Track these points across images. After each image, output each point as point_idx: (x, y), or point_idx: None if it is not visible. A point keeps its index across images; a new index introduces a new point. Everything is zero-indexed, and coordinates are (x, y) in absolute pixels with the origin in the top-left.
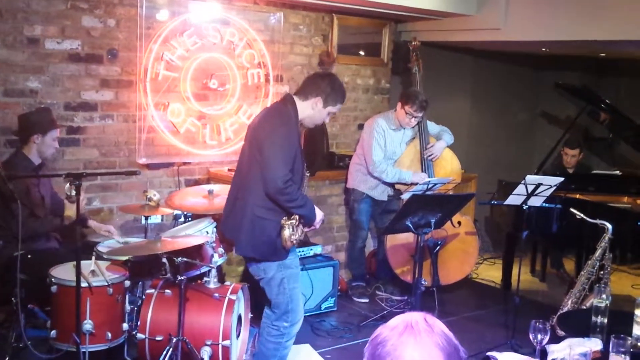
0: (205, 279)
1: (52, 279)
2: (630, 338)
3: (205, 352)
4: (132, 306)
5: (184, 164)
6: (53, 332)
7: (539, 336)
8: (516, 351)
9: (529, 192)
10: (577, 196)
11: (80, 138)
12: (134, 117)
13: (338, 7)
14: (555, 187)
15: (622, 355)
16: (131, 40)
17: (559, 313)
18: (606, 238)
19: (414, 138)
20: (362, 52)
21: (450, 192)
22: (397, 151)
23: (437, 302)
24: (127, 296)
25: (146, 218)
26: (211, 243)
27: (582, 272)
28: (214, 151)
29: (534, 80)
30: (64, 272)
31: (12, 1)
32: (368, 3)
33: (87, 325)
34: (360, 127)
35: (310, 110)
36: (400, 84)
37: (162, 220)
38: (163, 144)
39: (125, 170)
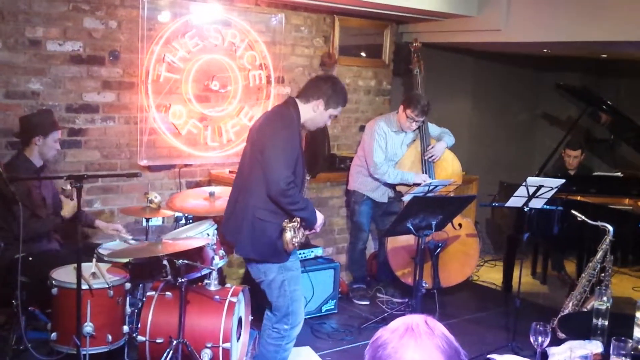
0: (206, 281)
1: (53, 281)
2: (631, 341)
3: (206, 354)
4: (132, 308)
5: (185, 165)
6: (53, 335)
7: (540, 338)
8: (517, 354)
9: (530, 194)
10: (578, 198)
11: (82, 140)
12: (135, 119)
13: (339, 8)
14: (556, 189)
15: (623, 358)
16: (133, 41)
17: (559, 315)
18: (607, 240)
19: (414, 140)
20: (363, 54)
21: (451, 194)
22: (398, 153)
23: (437, 304)
24: (127, 298)
25: (147, 220)
26: (212, 245)
27: (583, 275)
28: (216, 153)
29: (534, 81)
30: (64, 274)
31: (14, 3)
32: (369, 4)
33: (88, 327)
34: (362, 128)
35: (312, 112)
36: (401, 85)
37: (163, 222)
38: (164, 145)
39: (126, 172)
